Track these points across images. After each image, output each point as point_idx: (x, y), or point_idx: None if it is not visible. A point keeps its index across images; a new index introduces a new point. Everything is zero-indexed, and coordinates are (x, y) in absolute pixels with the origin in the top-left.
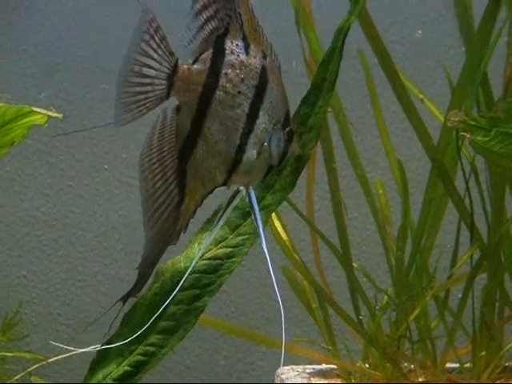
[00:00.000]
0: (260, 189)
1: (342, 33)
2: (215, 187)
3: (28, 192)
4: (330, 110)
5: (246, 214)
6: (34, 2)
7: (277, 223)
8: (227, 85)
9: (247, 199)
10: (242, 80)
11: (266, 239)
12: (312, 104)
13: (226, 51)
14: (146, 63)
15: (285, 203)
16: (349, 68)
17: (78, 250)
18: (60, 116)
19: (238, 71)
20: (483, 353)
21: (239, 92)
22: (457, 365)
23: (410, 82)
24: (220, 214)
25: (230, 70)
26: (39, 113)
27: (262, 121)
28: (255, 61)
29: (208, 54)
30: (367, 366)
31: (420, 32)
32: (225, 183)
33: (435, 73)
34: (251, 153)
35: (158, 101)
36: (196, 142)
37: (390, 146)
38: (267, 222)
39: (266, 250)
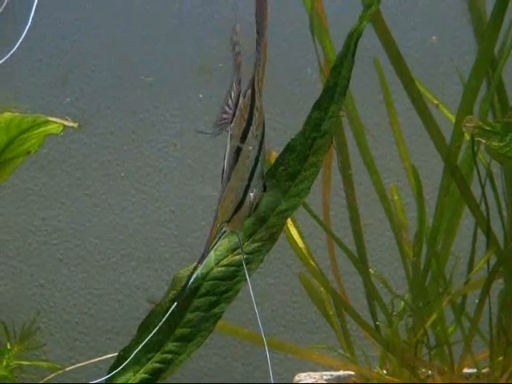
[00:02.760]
0: (275, 194)
1: (353, 37)
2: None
3: (44, 201)
4: (342, 114)
5: (262, 219)
6: (49, 13)
7: (293, 230)
8: (254, 126)
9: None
10: (259, 125)
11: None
12: (325, 109)
13: (255, 93)
14: (233, 86)
15: (301, 210)
16: (363, 74)
17: (95, 258)
18: (75, 125)
19: (258, 115)
20: (501, 358)
21: (257, 135)
22: (474, 370)
23: (425, 87)
24: (208, 249)
25: (256, 112)
26: (55, 122)
27: (259, 168)
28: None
29: (249, 92)
30: (385, 371)
31: (435, 38)
32: (228, 220)
33: (450, 79)
34: (249, 196)
35: (228, 125)
36: (231, 174)
37: (406, 152)
38: (283, 228)
39: (251, 291)
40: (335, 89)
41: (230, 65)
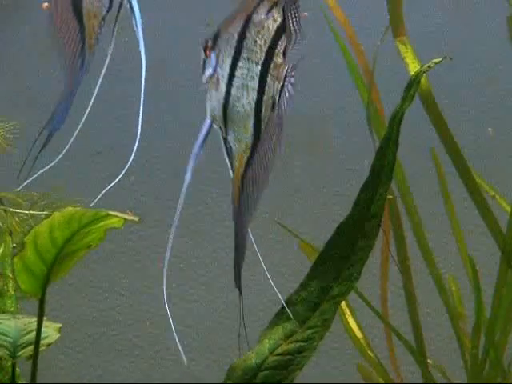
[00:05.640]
0: (326, 279)
1: (395, 120)
2: None
3: (103, 292)
4: (390, 196)
5: (314, 306)
6: (105, 105)
7: (351, 321)
8: None
9: None
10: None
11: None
12: (372, 191)
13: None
14: None
15: (359, 300)
16: (421, 166)
17: (154, 349)
18: (136, 219)
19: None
20: None
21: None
22: None
23: (482, 179)
24: None
25: None
26: (116, 216)
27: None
28: None
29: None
30: None
31: (491, 130)
32: None
33: (508, 170)
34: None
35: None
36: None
37: (462, 242)
38: (335, 313)
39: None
40: (382, 171)
41: None
